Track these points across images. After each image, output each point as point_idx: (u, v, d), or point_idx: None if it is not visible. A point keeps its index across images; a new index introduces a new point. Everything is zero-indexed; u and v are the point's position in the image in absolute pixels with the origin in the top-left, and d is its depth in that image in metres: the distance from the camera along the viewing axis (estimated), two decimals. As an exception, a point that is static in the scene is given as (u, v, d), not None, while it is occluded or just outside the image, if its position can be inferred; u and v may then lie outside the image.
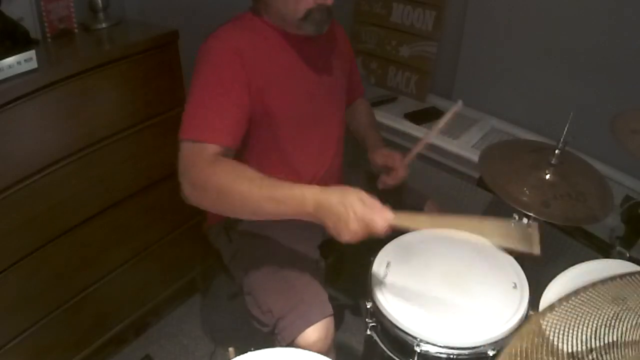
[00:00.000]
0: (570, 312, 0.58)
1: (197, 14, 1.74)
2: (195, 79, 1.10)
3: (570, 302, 0.58)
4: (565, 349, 0.55)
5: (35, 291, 1.36)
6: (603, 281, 0.60)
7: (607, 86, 1.62)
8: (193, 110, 1.07)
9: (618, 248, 1.28)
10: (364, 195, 0.93)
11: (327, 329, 1.14)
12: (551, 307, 0.57)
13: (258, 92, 1.13)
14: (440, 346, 1.03)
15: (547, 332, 0.56)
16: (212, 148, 1.03)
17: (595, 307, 0.59)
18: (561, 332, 0.56)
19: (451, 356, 1.04)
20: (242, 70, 1.10)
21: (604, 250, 1.43)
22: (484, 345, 1.03)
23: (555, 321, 0.57)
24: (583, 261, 1.17)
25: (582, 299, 0.59)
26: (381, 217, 0.91)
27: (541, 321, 0.56)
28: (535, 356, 0.54)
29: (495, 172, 1.22)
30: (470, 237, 1.28)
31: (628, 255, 1.26)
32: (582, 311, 0.58)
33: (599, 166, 1.33)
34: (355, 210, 0.90)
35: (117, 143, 1.42)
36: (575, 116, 1.13)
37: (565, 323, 0.57)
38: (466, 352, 1.03)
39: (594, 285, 0.60)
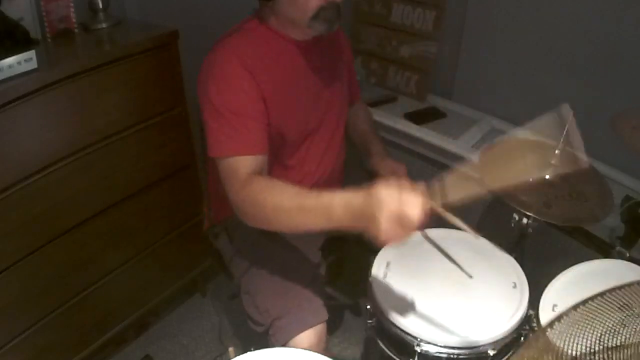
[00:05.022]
0: (577, 320, 0.57)
1: (197, 14, 1.74)
2: (208, 93, 1.09)
3: (578, 310, 0.58)
4: (568, 353, 0.55)
5: (35, 291, 1.36)
6: (611, 290, 0.60)
7: (607, 86, 1.62)
8: (216, 127, 1.09)
9: (618, 248, 1.28)
10: (392, 186, 0.82)
11: (321, 333, 1.15)
12: (559, 317, 0.57)
13: (267, 102, 1.14)
14: (441, 346, 1.03)
15: (554, 341, 0.56)
16: (245, 160, 1.06)
17: (601, 315, 0.58)
18: (566, 339, 0.56)
19: (451, 356, 1.04)
20: (254, 82, 1.10)
21: (604, 250, 1.42)
22: (484, 345, 1.03)
23: (562, 329, 0.56)
24: (583, 261, 1.18)
25: (590, 307, 0.58)
26: (413, 206, 0.80)
27: (549, 331, 0.56)
28: None
29: (495, 172, 1.22)
30: (470, 237, 1.29)
31: (628, 255, 1.26)
32: (589, 319, 0.58)
33: (599, 166, 1.33)
34: (383, 207, 0.80)
35: (117, 143, 1.42)
36: (575, 116, 1.13)
37: (571, 331, 0.57)
38: (466, 351, 1.03)
39: (602, 294, 0.59)
